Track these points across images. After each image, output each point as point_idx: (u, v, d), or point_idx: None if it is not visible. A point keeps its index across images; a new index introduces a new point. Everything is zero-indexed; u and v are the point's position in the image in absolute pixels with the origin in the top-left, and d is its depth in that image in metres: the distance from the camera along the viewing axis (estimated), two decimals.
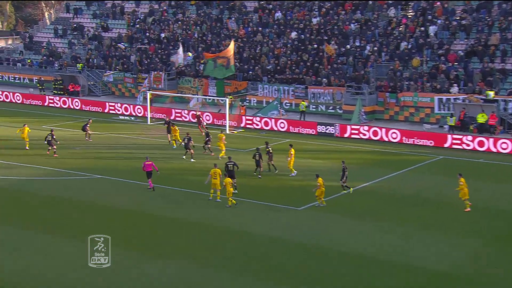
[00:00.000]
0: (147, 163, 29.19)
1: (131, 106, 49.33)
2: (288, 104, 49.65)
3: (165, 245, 23.34)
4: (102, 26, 65.26)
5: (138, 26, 63.39)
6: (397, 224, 25.73)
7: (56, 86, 57.00)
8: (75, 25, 66.51)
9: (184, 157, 35.14)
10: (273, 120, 44.45)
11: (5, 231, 24.36)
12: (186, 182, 30.72)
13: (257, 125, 44.71)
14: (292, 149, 32.41)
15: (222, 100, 46.62)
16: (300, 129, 43.56)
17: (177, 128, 38.15)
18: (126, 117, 48.10)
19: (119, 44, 59.07)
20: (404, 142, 40.09)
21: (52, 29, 67.71)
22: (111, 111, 49.78)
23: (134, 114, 48.61)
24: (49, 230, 24.43)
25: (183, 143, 35.35)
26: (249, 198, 28.59)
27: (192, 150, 34.79)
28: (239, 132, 43.46)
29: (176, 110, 47.23)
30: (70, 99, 52.65)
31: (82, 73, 58.00)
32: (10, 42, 79.44)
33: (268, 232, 24.64)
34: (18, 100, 54.46)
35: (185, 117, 46.82)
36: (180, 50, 52.52)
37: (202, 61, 55.03)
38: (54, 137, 35.91)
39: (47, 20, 72.17)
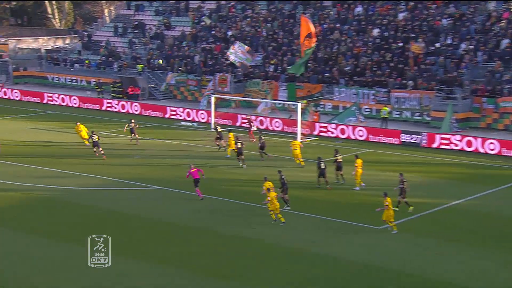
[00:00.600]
0: (192, 170, 29.39)
1: (194, 111, 49.56)
2: (368, 110, 48.61)
3: (233, 267, 22.82)
4: (164, 23, 66.18)
5: (203, 23, 63.86)
6: (495, 249, 24.38)
7: (115, 88, 58.04)
8: (136, 23, 67.76)
9: (244, 166, 35.24)
10: (350, 127, 43.58)
11: (65, 248, 24.49)
12: (252, 194, 30.22)
13: (332, 133, 43.95)
14: (358, 160, 31.62)
15: (293, 105, 46.08)
16: (381, 138, 42.49)
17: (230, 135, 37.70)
18: (188, 123, 48.33)
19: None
20: (504, 154, 38.32)
21: (112, 27, 69.25)
22: (172, 117, 50.17)
23: (197, 119, 48.77)
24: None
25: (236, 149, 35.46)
26: (320, 214, 27.91)
27: (242, 156, 35.18)
28: (311, 140, 42.80)
29: (243, 116, 47.03)
30: (129, 103, 53.46)
31: (142, 75, 58.87)
32: (68, 41, 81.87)
33: (349, 255, 23.83)
34: (75, 104, 55.73)
35: (253, 123, 46.52)
36: (237, 46, 52.07)
37: (272, 62, 54.68)
38: (95, 138, 36.88)
39: (107, 18, 73.91)
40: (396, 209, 27.52)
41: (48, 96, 57.19)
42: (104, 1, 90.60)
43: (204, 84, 55.81)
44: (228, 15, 63.49)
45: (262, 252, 24.10)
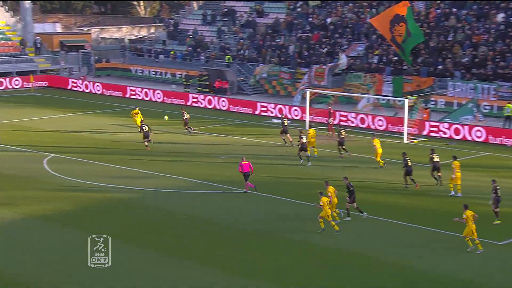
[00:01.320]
0: (243, 163, 30.70)
1: (287, 107, 49.29)
2: (488, 107, 46.84)
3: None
4: (257, 10, 66.38)
5: (299, 9, 63.55)
6: None
7: (201, 82, 58.65)
8: (225, 10, 68.37)
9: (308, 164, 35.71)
10: (466, 127, 42.10)
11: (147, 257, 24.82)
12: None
13: (445, 133, 42.62)
14: (456, 162, 30.90)
15: (399, 101, 44.93)
16: (504, 139, 40.77)
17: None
18: (280, 121, 48.11)
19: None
20: None
21: (200, 14, 70.17)
22: (262, 113, 50.08)
23: (290, 116, 48.51)
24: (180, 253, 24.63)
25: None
26: (424, 225, 27.01)
27: (306, 152, 35.85)
28: (420, 141, 41.58)
29: (341, 113, 46.32)
30: (216, 98, 53.88)
31: (231, 67, 59.23)
32: (152, 30, 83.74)
33: (461, 274, 22.94)
34: (159, 98, 56.62)
35: (352, 122, 45.80)
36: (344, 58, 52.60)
37: (376, 52, 53.67)
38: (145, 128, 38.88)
39: (195, 4, 75.01)
40: (498, 221, 26.93)
41: (131, 90, 58.52)
42: None
43: (299, 78, 55.46)
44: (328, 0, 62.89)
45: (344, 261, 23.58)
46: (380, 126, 44.66)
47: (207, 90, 57.84)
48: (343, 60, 53.19)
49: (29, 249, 24.93)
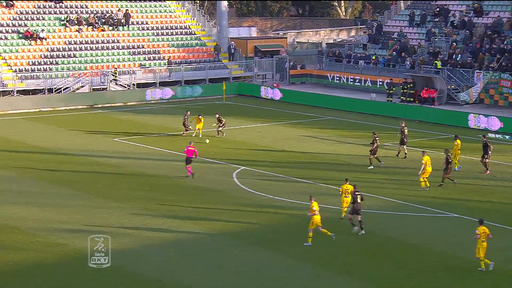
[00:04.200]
0: (190, 148, 36.33)
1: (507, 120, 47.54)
2: None
3: None
4: (475, 9, 64.55)
5: None
6: None
7: (406, 90, 58.01)
8: (437, 9, 67.14)
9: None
10: None
11: None
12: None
13: None
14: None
15: None
16: None
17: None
18: (498, 135, 46.51)
19: None
20: None
21: (408, 15, 69.46)
22: (476, 127, 48.64)
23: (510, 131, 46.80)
24: None
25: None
26: None
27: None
28: None
29: None
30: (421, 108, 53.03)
31: (441, 74, 58.03)
32: (353, 33, 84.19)
33: None
34: (360, 109, 56.70)
35: None
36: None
37: None
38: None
39: (402, 4, 74.40)
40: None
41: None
42: None
43: None
44: None
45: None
46: None
47: (412, 99, 57.14)
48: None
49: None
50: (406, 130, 40.99)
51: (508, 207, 32.45)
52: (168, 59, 67.07)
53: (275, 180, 37.02)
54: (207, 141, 44.31)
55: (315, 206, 27.42)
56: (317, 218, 27.29)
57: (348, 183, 30.24)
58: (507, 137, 46.51)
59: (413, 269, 25.48)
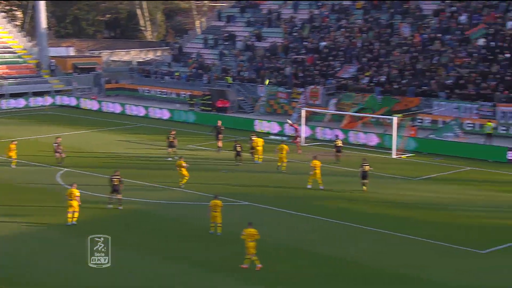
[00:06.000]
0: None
1: (284, 125, 49.22)
2: (471, 125, 46.81)
3: None
4: (255, 35, 66.56)
5: (295, 34, 63.73)
6: None
7: (204, 101, 58.77)
8: (226, 34, 68.54)
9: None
10: (450, 143, 41.95)
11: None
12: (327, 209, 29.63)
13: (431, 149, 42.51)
14: (316, 161, 33.85)
15: (388, 119, 44.93)
16: (485, 155, 40.68)
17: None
18: (278, 137, 48.05)
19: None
20: None
21: (203, 39, 70.36)
22: (261, 130, 50.06)
23: (287, 134, 48.40)
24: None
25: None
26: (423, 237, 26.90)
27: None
28: (407, 157, 41.53)
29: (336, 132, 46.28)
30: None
31: (232, 87, 59.28)
32: (159, 53, 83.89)
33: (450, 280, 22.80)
34: (165, 116, 56.67)
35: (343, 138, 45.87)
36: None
37: (366, 74, 53.76)
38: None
39: (198, 29, 75.18)
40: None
41: (135, 109, 58.67)
42: (195, 13, 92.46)
43: (295, 97, 55.52)
44: (321, 25, 63.07)
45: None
46: (371, 142, 44.60)
47: (210, 108, 57.92)
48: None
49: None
50: (174, 139, 40.46)
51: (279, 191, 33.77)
52: None
53: (95, 179, 36.02)
54: (267, 82, 44.02)
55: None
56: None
57: None
58: (284, 138, 48.14)
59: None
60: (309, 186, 33.96)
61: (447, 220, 29.09)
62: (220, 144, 42.70)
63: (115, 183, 30.20)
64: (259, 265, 23.36)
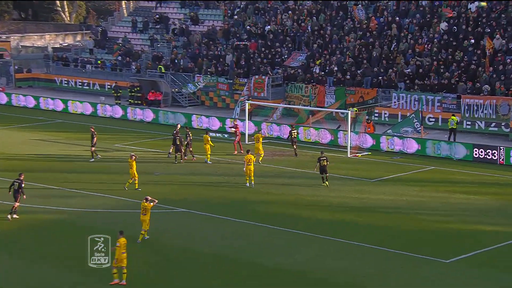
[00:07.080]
0: None
1: (226, 120, 49.67)
2: (433, 119, 48.09)
3: None
4: (191, 17, 66.74)
5: (236, 17, 64.20)
6: None
7: (133, 94, 58.53)
8: (157, 17, 68.51)
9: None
10: (407, 140, 43.03)
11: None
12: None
13: (389, 146, 43.50)
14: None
15: (342, 113, 45.85)
16: (449, 152, 41.92)
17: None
18: (217, 134, 48.40)
19: None
20: None
21: (130, 21, 70.13)
22: (199, 127, 50.38)
23: (228, 130, 48.80)
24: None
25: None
26: (376, 244, 27.73)
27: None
28: (364, 155, 42.48)
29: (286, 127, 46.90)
30: (146, 111, 53.64)
31: (165, 78, 59.34)
32: (79, 38, 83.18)
33: None
34: (87, 111, 56.25)
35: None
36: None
37: (317, 62, 54.64)
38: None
39: (124, 11, 74.92)
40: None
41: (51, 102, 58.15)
42: None
43: (238, 89, 55.97)
44: (266, 7, 63.73)
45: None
46: (323, 139, 45.39)
47: (140, 102, 57.76)
48: None
49: None
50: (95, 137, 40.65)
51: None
52: None
53: (6, 184, 35.59)
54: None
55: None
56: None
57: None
58: (225, 135, 48.50)
59: None
60: (247, 185, 35.36)
61: (405, 225, 29.99)
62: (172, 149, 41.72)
63: (15, 188, 30.46)
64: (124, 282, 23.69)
